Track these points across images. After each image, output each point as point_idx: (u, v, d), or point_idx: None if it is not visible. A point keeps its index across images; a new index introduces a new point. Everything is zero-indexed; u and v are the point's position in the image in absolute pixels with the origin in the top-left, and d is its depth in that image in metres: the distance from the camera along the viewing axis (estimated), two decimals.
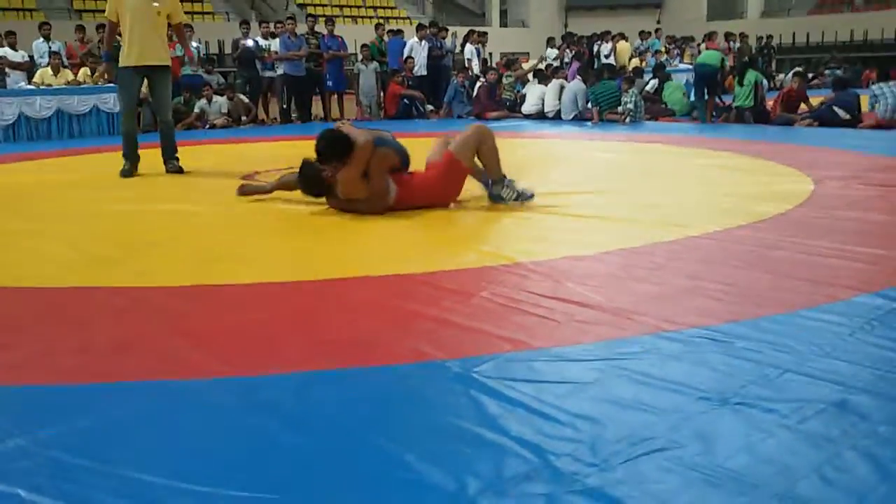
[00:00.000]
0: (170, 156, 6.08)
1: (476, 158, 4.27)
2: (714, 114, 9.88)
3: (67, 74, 10.35)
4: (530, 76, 12.67)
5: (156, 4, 5.83)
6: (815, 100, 9.61)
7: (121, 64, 5.88)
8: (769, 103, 9.78)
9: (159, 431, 1.66)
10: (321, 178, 4.07)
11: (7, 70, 10.39)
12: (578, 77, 10.75)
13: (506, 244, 3.38)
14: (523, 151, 7.01)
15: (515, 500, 1.34)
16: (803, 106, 9.34)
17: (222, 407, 1.77)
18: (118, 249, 3.48)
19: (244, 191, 4.76)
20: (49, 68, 10.32)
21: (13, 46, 10.85)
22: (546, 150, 7.64)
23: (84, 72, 10.37)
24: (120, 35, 6.05)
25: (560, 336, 2.18)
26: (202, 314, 2.49)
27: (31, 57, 10.98)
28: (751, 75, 9.48)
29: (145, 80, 6.01)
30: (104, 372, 2.00)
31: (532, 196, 4.26)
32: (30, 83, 10.24)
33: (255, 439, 1.61)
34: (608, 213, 3.99)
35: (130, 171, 5.89)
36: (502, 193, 4.23)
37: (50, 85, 10.03)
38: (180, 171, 6.01)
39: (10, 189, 5.54)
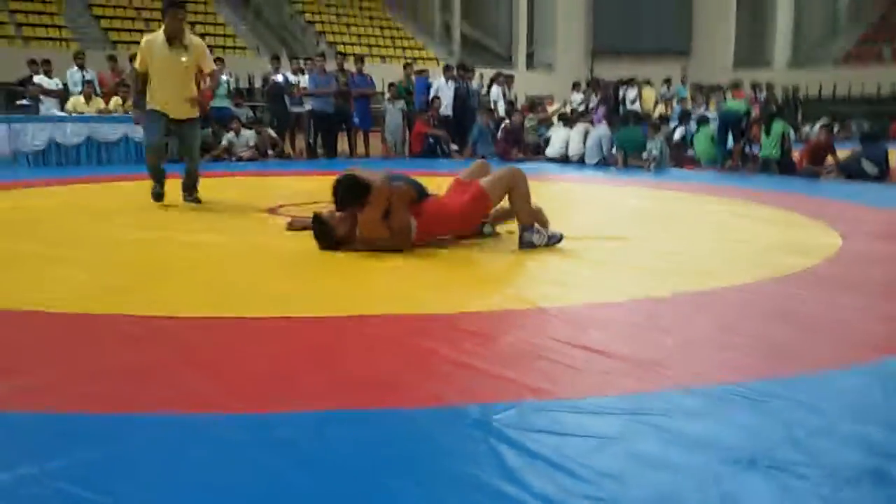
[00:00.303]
0: (190, 192, 6.17)
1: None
2: (739, 163, 9.82)
3: (99, 103, 10.55)
4: (555, 119, 12.74)
5: (184, 59, 5.79)
6: (843, 153, 9.55)
7: (148, 105, 5.86)
8: (795, 155, 9.73)
9: (169, 465, 1.62)
10: (332, 235, 4.10)
11: (41, 97, 10.61)
12: (604, 122, 10.79)
13: (528, 287, 3.34)
14: (547, 194, 6.99)
15: None
16: (830, 158, 9.28)
17: (235, 443, 1.73)
18: (136, 277, 3.48)
19: (294, 226, 4.75)
20: (81, 96, 10.52)
21: (48, 74, 11.10)
22: (570, 193, 7.62)
23: (115, 101, 10.56)
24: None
25: (583, 386, 2.12)
26: (219, 346, 2.46)
27: (65, 85, 11.21)
28: (778, 126, 9.46)
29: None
30: (116, 402, 1.97)
31: (561, 238, 4.23)
32: (62, 111, 10.44)
33: (267, 478, 1.57)
34: (632, 260, 3.94)
35: (160, 192, 5.96)
36: (534, 239, 4.18)
37: (81, 112, 10.22)
38: (198, 202, 6.10)
39: (34, 213, 5.61)
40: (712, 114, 15.45)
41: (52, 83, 11.11)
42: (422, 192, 4.22)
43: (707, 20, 28.34)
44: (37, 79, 10.93)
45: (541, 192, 6.98)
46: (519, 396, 2.02)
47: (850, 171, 8.62)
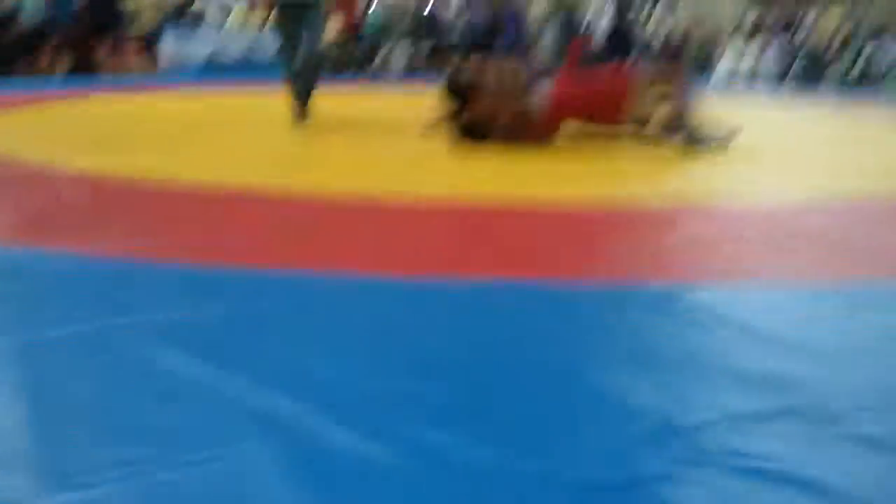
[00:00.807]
0: (302, 98, 4.69)
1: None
2: None
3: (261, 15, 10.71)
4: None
5: None
6: None
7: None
8: None
9: (305, 326, 1.47)
10: (467, 94, 3.84)
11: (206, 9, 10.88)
12: (780, 38, 9.84)
13: (708, 184, 2.99)
14: (713, 109, 6.43)
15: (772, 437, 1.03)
16: None
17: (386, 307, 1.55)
18: (298, 161, 3.43)
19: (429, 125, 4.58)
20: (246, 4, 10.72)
21: None
22: (741, 109, 6.97)
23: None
24: None
25: (791, 268, 1.80)
26: (376, 221, 2.32)
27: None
28: None
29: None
30: (271, 256, 1.86)
31: (729, 141, 3.69)
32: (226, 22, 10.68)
33: (421, 345, 1.38)
34: (810, 167, 3.48)
35: (302, 114, 4.68)
36: (691, 141, 3.65)
37: (244, 25, 10.44)
38: (306, 118, 4.71)
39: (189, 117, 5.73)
40: None
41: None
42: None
43: None
44: None
45: (710, 109, 6.43)
46: (716, 276, 1.74)
47: None
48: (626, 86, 3.84)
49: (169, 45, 9.71)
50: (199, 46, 9.85)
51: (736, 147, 3.66)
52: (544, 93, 3.83)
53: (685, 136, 3.70)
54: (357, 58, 10.55)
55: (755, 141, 3.93)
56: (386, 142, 4.12)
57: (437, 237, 2.11)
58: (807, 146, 4.13)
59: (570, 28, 11.76)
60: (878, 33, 11.91)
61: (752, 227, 2.24)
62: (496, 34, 11.33)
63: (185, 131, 4.44)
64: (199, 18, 10.51)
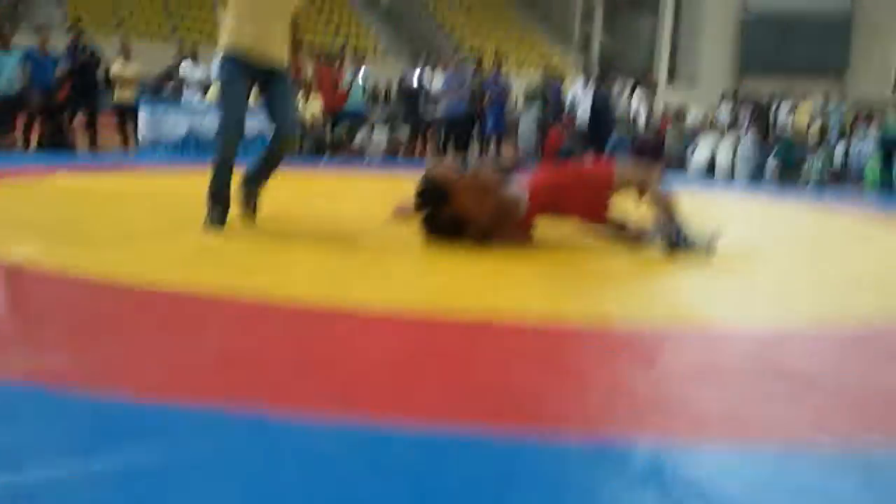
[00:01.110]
0: (256, 186, 4.02)
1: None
2: None
3: None
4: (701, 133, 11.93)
5: None
6: None
7: (226, 50, 3.78)
8: None
9: (242, 476, 1.24)
10: (445, 200, 3.64)
11: (185, 86, 10.87)
12: (753, 132, 9.95)
13: (690, 302, 2.79)
14: (693, 207, 6.35)
15: None
16: None
17: (329, 458, 1.33)
18: (252, 258, 3.20)
19: (400, 213, 4.42)
20: None
21: (195, 59, 11.29)
22: (721, 207, 6.92)
23: None
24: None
25: (785, 425, 1.59)
26: (328, 338, 2.09)
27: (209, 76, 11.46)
28: None
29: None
30: (193, 391, 1.62)
31: (716, 243, 3.54)
32: (205, 98, 10.64)
33: None
34: (809, 280, 3.31)
35: (220, 218, 3.77)
36: (675, 237, 3.52)
37: None
38: (253, 211, 4.03)
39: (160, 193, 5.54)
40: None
41: (198, 70, 11.33)
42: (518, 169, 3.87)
43: (867, 41, 26.20)
44: (183, 64, 11.16)
45: (686, 205, 6.37)
46: (700, 434, 1.52)
47: None
48: (606, 181, 3.71)
49: (145, 121, 9.61)
50: (177, 122, 9.75)
51: (719, 252, 3.51)
52: (520, 189, 3.69)
53: (667, 238, 3.56)
54: (334, 140, 10.48)
55: (738, 245, 3.80)
56: (349, 235, 3.93)
57: (373, 361, 1.88)
58: (794, 252, 3.98)
59: (551, 114, 11.89)
60: (852, 129, 12.13)
61: (732, 361, 2.04)
62: (476, 120, 11.41)
63: (138, 217, 4.23)
64: (177, 93, 10.45)
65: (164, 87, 10.58)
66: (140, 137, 9.74)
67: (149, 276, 2.64)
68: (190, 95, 10.71)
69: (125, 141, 9.93)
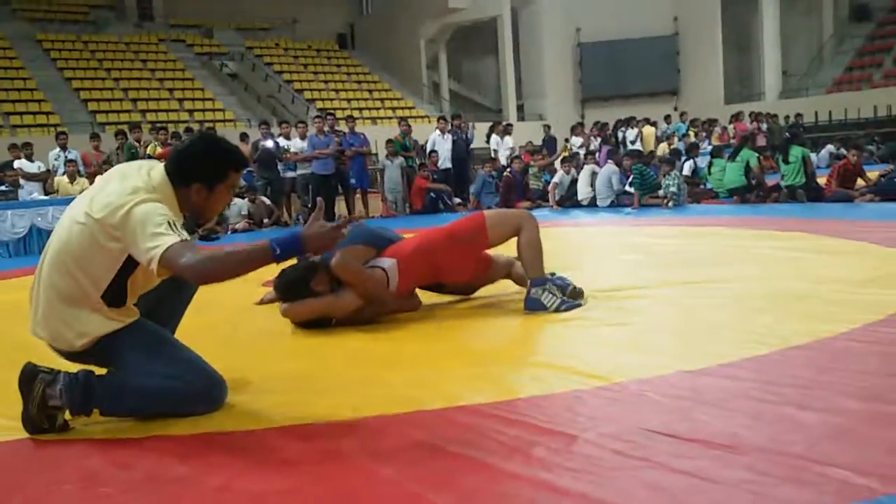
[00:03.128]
0: None
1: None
2: (761, 193, 9.24)
3: (83, 183, 10.03)
4: (557, 164, 12.26)
5: None
6: (871, 174, 9.02)
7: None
8: (820, 179, 9.20)
9: None
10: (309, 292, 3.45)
11: (21, 182, 10.13)
12: (610, 161, 10.30)
13: (590, 357, 2.67)
14: (562, 242, 6.41)
15: None
16: (860, 181, 8.73)
17: None
18: None
19: (265, 299, 4.17)
20: (66, 176, 10.03)
21: (29, 158, 10.62)
22: (588, 238, 7.04)
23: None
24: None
25: None
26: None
27: (48, 170, 10.71)
28: (797, 151, 8.96)
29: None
30: None
31: (579, 305, 3.47)
32: (46, 194, 9.92)
33: None
34: (696, 310, 3.31)
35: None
36: (543, 299, 3.43)
37: (67, 194, 9.70)
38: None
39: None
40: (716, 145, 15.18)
41: (34, 166, 10.61)
42: (384, 241, 3.65)
43: (694, 59, 28.19)
44: (17, 163, 10.44)
45: (556, 240, 6.43)
46: None
47: (887, 192, 8.03)
48: (479, 234, 3.56)
49: None
50: (16, 222, 8.99)
51: (595, 301, 3.47)
52: (389, 264, 3.51)
53: (545, 290, 3.46)
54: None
55: (613, 281, 3.79)
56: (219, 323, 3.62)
57: None
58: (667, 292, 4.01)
59: (413, 162, 11.89)
60: (696, 146, 12.85)
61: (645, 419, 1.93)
62: (339, 179, 11.24)
63: None
64: (12, 192, 9.66)
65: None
66: None
67: None
68: (28, 193, 9.94)
69: None
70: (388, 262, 3.53)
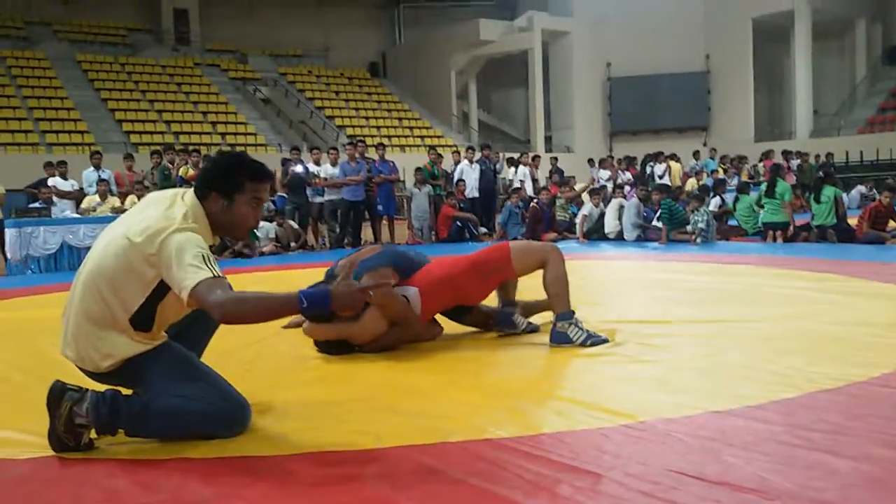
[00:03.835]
0: None
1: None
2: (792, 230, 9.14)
3: (114, 202, 10.19)
4: (585, 197, 12.24)
5: None
6: None
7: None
8: (851, 220, 9.09)
9: None
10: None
11: (55, 199, 10.32)
12: (635, 195, 10.29)
13: (616, 394, 2.65)
14: (589, 276, 6.37)
15: None
16: (892, 223, 8.61)
17: None
18: None
19: (292, 322, 4.19)
20: (97, 195, 10.21)
21: (63, 176, 10.82)
22: (616, 273, 6.99)
23: (131, 200, 10.19)
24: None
25: None
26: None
27: (81, 188, 10.90)
28: (829, 191, 8.87)
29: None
30: None
31: (606, 340, 3.45)
32: (78, 212, 10.09)
33: None
34: (725, 350, 3.27)
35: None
36: (569, 332, 3.41)
37: (96, 212, 9.86)
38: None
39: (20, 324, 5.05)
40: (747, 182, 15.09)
41: (68, 185, 10.81)
42: (410, 264, 3.65)
43: (725, 96, 28.15)
44: (51, 181, 10.65)
45: (588, 273, 6.40)
46: None
47: None
48: (503, 263, 3.56)
49: (13, 240, 8.97)
50: (48, 238, 9.14)
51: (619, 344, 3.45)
52: (411, 291, 3.52)
53: (568, 327, 3.44)
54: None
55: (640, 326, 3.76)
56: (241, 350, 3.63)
57: None
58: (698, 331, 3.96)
59: (442, 190, 11.95)
60: (723, 182, 12.77)
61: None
62: (367, 206, 11.32)
63: None
64: (45, 209, 9.85)
65: (29, 209, 9.94)
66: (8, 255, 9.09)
67: None
68: (61, 210, 10.13)
69: None
70: (411, 291, 3.53)
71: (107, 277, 2.23)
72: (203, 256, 2.12)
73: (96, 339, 2.25)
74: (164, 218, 2.22)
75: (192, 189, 2.38)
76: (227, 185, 2.33)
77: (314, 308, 2.12)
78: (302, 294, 2.10)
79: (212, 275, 2.09)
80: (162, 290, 2.22)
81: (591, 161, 15.88)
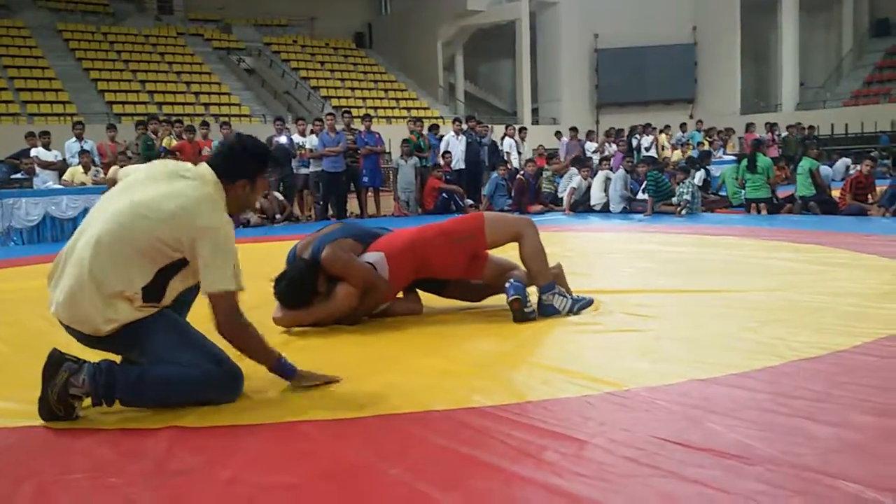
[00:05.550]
0: None
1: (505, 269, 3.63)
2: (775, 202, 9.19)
3: (97, 173, 10.08)
4: (571, 168, 12.24)
5: None
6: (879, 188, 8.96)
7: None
8: (834, 192, 9.15)
9: None
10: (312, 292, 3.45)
11: (37, 170, 10.19)
12: (622, 167, 10.31)
13: (601, 363, 2.67)
14: (575, 247, 6.38)
15: None
16: (871, 196, 8.67)
17: None
18: None
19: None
20: (80, 166, 10.09)
21: (46, 146, 10.67)
22: (602, 244, 7.01)
23: (114, 170, 10.08)
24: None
25: None
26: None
27: (65, 159, 10.76)
28: (805, 163, 8.95)
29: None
30: None
31: (591, 303, 3.52)
32: (61, 183, 9.98)
33: None
34: (709, 319, 3.29)
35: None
36: (555, 303, 3.44)
37: (81, 184, 9.76)
38: None
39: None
40: (730, 155, 15.13)
41: (51, 155, 10.66)
42: (371, 237, 3.64)
43: (712, 68, 28.09)
44: (34, 151, 10.50)
45: (574, 244, 6.42)
46: None
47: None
48: (475, 233, 3.53)
49: None
50: (30, 210, 9.04)
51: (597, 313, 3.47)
52: (377, 261, 3.51)
53: (552, 298, 3.45)
54: None
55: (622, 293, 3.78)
56: None
57: None
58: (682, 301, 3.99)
59: (428, 162, 11.91)
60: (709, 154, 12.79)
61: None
62: (351, 177, 11.26)
63: None
64: (27, 181, 9.74)
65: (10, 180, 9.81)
66: None
67: None
68: (43, 181, 10.00)
69: None
70: (374, 256, 3.52)
71: (123, 249, 2.25)
72: (234, 265, 2.27)
73: (102, 303, 2.26)
74: (198, 199, 2.28)
75: (205, 166, 2.41)
76: (255, 171, 2.44)
77: (280, 371, 2.42)
78: (281, 359, 2.42)
79: (235, 287, 2.27)
80: (178, 265, 2.30)
81: (558, 133, 15.89)
